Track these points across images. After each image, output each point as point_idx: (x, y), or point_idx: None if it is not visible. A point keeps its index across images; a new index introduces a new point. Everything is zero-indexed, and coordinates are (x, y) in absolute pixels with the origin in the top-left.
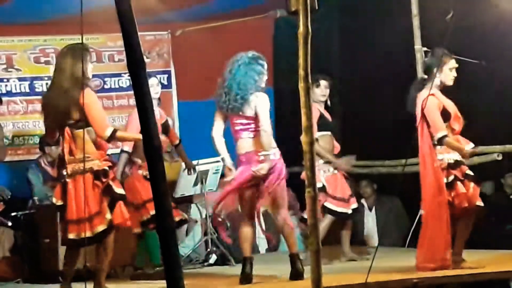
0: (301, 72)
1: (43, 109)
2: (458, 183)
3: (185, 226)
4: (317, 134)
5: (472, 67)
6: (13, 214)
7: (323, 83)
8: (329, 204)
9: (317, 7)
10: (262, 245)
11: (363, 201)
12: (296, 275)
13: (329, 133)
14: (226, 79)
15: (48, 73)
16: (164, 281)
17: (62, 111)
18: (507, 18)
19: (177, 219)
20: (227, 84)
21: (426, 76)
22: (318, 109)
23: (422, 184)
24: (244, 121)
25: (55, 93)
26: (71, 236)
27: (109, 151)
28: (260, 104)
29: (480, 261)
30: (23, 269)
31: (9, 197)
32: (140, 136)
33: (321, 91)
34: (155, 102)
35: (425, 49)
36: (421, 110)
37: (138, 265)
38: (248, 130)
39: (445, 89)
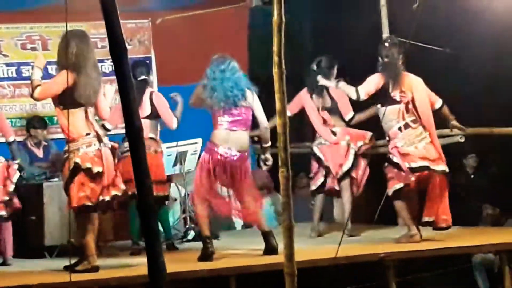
0: (275, 58)
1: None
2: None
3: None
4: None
5: (437, 54)
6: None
7: None
8: None
9: None
10: (238, 221)
11: None
12: (270, 250)
13: None
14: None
15: (34, 58)
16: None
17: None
18: (472, 7)
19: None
20: (220, 80)
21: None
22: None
23: None
24: (237, 117)
25: (85, 78)
26: (108, 198)
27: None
28: (256, 100)
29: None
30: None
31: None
32: None
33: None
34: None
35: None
36: None
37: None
38: (242, 124)
39: None
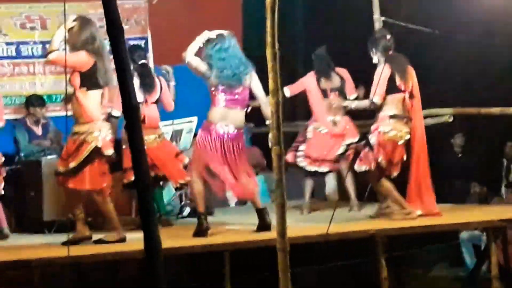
0: (268, 38)
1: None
2: None
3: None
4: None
5: (426, 36)
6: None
7: None
8: None
9: None
10: (232, 199)
11: None
12: (264, 227)
13: None
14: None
15: (33, 38)
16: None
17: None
18: None
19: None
20: (226, 59)
21: None
22: None
23: None
24: (236, 95)
25: (104, 61)
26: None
27: None
28: (255, 77)
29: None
30: (10, 221)
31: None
32: None
33: None
34: None
35: (383, 18)
36: None
37: None
38: (239, 102)
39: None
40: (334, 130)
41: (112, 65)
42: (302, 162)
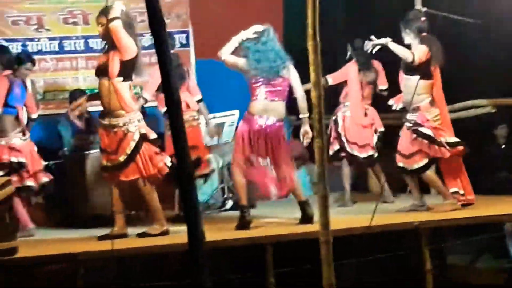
0: (309, 31)
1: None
2: None
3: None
4: None
5: (468, 26)
6: (45, 163)
7: None
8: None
9: None
10: (273, 191)
11: None
12: (306, 219)
13: None
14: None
15: (75, 33)
16: None
17: None
18: None
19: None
20: (263, 52)
21: None
22: None
23: None
24: (277, 87)
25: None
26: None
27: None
28: (293, 70)
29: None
30: (55, 215)
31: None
32: None
33: None
34: None
35: (425, 9)
36: None
37: None
38: (280, 94)
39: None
40: (365, 121)
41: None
42: (348, 149)
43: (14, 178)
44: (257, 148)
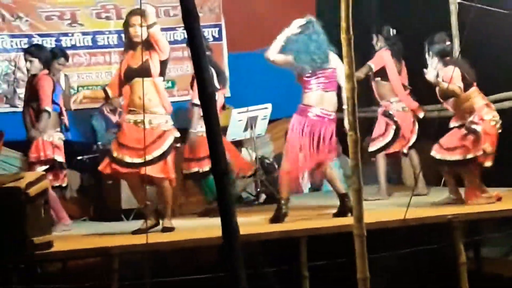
0: (343, 24)
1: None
2: None
3: None
4: None
5: (503, 17)
6: (79, 158)
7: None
8: None
9: None
10: (306, 184)
11: None
12: (344, 212)
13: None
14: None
15: (108, 27)
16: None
17: None
18: None
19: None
20: (309, 44)
21: None
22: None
23: None
24: (329, 78)
25: None
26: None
27: None
28: (339, 61)
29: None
30: (89, 208)
31: None
32: None
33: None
34: None
35: (459, 0)
36: None
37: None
38: (332, 85)
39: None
40: (415, 105)
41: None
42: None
43: (50, 176)
44: (309, 141)
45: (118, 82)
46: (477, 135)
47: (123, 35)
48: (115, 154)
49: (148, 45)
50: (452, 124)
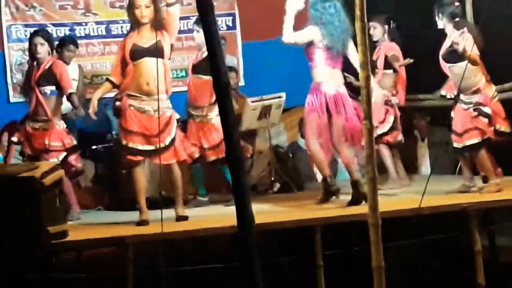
0: (357, 12)
1: None
2: None
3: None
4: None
5: None
6: (93, 147)
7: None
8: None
9: None
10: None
11: (416, 132)
12: (357, 199)
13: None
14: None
15: (122, 17)
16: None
17: None
18: None
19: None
20: (335, 23)
21: None
22: None
23: None
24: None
25: None
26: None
27: None
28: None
29: None
30: (103, 198)
31: None
32: None
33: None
34: None
35: None
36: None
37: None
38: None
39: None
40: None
41: None
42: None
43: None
44: (325, 120)
45: (120, 66)
46: (488, 117)
47: None
48: (124, 142)
49: (160, 25)
50: (448, 93)
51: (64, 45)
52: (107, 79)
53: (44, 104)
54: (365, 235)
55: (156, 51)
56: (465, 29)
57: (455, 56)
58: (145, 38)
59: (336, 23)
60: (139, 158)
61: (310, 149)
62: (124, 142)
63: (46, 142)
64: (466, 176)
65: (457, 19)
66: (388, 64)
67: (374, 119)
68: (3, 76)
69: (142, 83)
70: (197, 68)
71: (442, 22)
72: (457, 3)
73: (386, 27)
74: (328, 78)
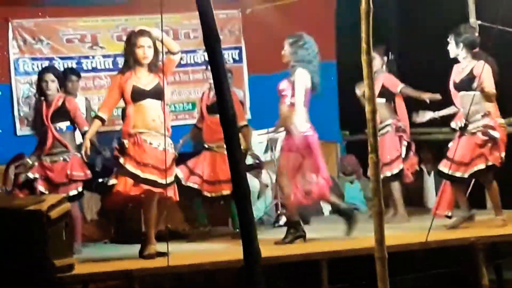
0: (363, 45)
1: None
2: None
3: (256, 191)
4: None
5: None
6: (100, 180)
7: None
8: None
9: None
10: (326, 207)
11: (422, 166)
12: (351, 224)
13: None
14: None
15: None
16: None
17: None
18: None
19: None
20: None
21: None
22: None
23: None
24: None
25: None
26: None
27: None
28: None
29: None
30: (109, 231)
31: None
32: None
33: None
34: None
35: (479, 22)
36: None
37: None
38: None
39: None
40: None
41: None
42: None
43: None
44: (295, 157)
45: (113, 103)
46: (496, 141)
47: None
48: (139, 173)
49: (157, 68)
50: (456, 124)
51: (66, 77)
52: (97, 116)
53: (61, 139)
54: (371, 268)
55: (157, 93)
56: (482, 60)
57: (469, 84)
58: (144, 79)
59: (315, 61)
60: (156, 190)
61: (285, 191)
62: (137, 173)
63: (68, 172)
64: (462, 206)
65: (476, 49)
66: (380, 94)
67: (389, 151)
68: (10, 109)
69: (148, 120)
70: (213, 108)
71: (457, 51)
72: (476, 33)
73: (385, 58)
74: (300, 119)
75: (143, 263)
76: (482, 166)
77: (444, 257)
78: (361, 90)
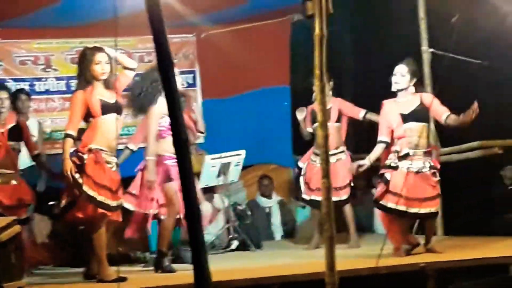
0: (316, 71)
1: None
2: None
3: (208, 215)
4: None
5: (475, 67)
6: (50, 203)
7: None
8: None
9: (331, 11)
10: (278, 232)
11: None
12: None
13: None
14: None
15: None
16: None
17: None
18: (509, 20)
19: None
20: None
21: None
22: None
23: None
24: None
25: None
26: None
27: None
28: None
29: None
30: (60, 254)
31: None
32: None
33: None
34: None
35: (431, 50)
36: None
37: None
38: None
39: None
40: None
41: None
42: None
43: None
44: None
45: (79, 120)
46: (437, 179)
47: None
48: (95, 195)
49: (111, 84)
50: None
51: (16, 97)
52: (67, 135)
53: (14, 159)
54: None
55: (119, 109)
56: (425, 91)
57: (422, 115)
58: (106, 94)
59: None
60: (109, 213)
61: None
62: (94, 195)
63: (18, 197)
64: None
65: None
66: (335, 119)
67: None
68: None
69: (111, 139)
70: None
71: (404, 81)
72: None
73: (331, 83)
74: (169, 150)
75: (99, 287)
76: (434, 209)
77: (396, 283)
78: (302, 114)
